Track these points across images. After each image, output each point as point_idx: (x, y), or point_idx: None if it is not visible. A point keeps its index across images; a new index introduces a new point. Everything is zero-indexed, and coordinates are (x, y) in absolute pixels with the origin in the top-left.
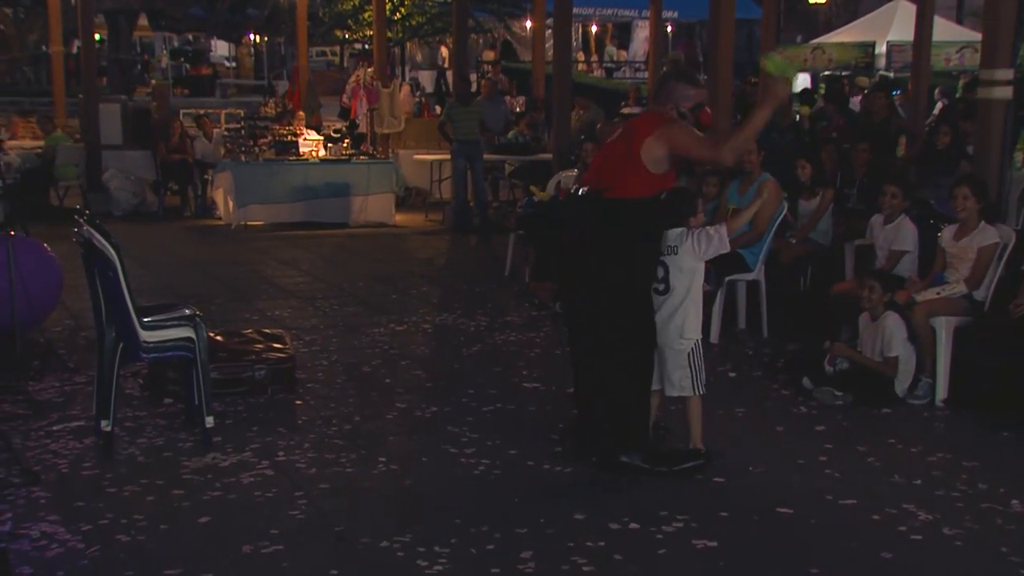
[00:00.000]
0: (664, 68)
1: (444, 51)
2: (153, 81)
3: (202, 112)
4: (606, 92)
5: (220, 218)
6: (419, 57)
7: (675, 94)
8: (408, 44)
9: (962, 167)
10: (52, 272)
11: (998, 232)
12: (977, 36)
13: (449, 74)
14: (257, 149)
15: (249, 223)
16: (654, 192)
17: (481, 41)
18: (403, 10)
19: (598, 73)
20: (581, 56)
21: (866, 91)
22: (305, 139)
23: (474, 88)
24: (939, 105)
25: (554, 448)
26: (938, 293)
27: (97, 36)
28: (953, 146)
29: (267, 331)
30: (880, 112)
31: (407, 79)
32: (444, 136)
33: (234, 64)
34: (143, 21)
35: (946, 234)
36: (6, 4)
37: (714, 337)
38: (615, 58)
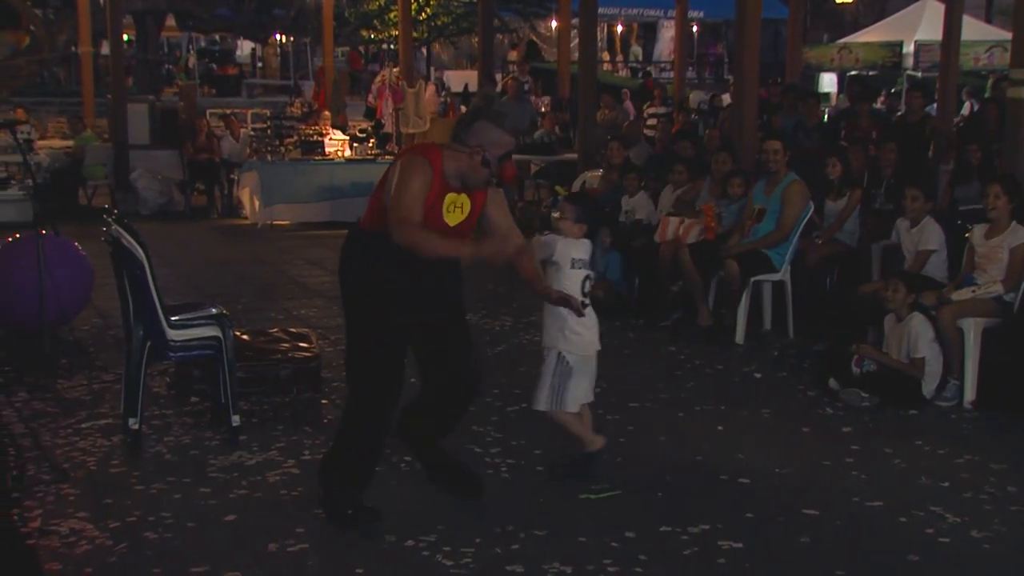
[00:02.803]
0: (474, 102)
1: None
2: (179, 81)
3: (229, 112)
4: (632, 91)
5: (246, 217)
6: (444, 56)
7: (485, 135)
8: (435, 44)
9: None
10: (84, 272)
11: None
12: (1006, 35)
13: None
14: (283, 149)
15: (275, 222)
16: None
17: (506, 41)
18: (428, 10)
19: (623, 73)
20: (606, 56)
21: (892, 91)
22: (331, 139)
23: (499, 88)
24: (967, 105)
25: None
26: (973, 292)
27: (125, 37)
28: (985, 160)
29: (293, 330)
30: (917, 112)
31: (432, 79)
32: None
33: (260, 64)
34: (170, 21)
35: (976, 233)
36: (36, 5)
37: (739, 338)
38: (639, 58)
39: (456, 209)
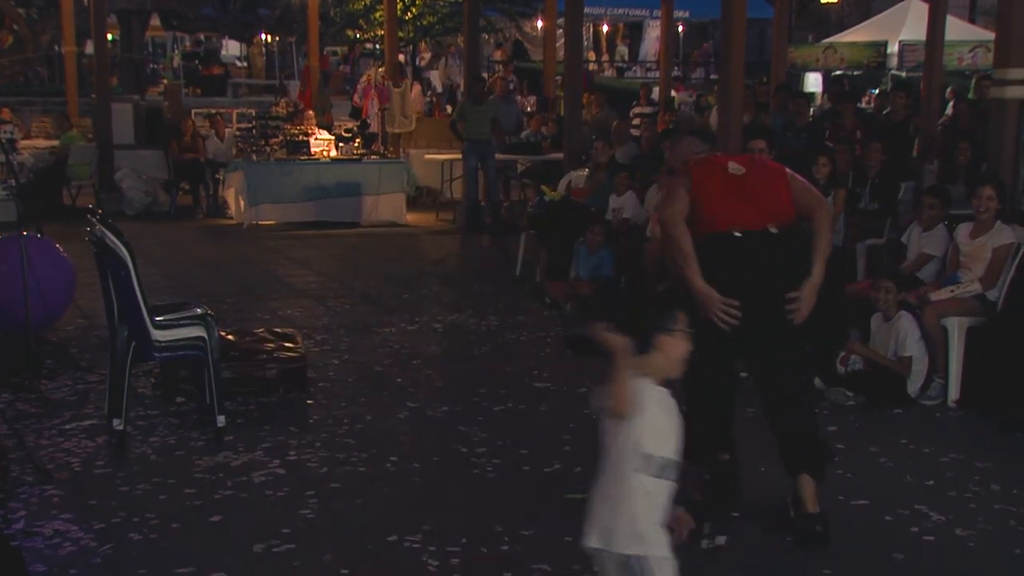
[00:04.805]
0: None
1: None
2: (164, 81)
3: (214, 111)
4: (618, 92)
5: (232, 217)
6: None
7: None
8: (421, 44)
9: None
10: (65, 272)
11: (1013, 232)
12: (989, 35)
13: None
14: (269, 148)
15: (261, 222)
16: None
17: (492, 41)
18: (414, 10)
19: (609, 73)
20: (592, 56)
21: (877, 91)
22: (316, 139)
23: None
24: (951, 105)
25: (564, 447)
26: (952, 291)
27: (110, 36)
28: (974, 159)
29: (279, 330)
30: (900, 112)
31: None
32: (455, 134)
33: (245, 64)
34: (155, 21)
35: (961, 232)
36: (19, 5)
37: None
38: (625, 58)
39: None
